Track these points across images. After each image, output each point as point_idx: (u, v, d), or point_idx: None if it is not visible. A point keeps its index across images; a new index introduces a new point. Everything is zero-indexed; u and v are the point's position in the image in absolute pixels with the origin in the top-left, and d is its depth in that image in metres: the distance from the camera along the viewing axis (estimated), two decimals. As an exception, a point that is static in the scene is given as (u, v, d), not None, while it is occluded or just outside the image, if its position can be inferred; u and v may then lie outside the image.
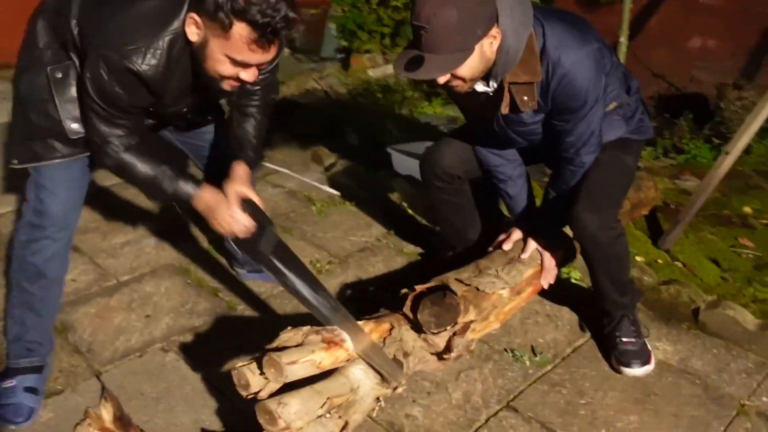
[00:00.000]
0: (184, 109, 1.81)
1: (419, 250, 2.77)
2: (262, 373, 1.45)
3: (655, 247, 2.67)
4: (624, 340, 2.04)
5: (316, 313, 1.64)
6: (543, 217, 2.07)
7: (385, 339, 1.69)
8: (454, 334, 1.78)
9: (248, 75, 1.55)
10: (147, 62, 1.53)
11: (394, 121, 4.15)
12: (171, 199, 1.77)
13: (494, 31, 1.65)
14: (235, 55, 1.49)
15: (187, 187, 1.71)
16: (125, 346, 2.17)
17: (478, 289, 1.88)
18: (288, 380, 1.42)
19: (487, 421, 1.85)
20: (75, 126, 1.70)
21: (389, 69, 5.07)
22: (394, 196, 3.17)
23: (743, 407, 1.89)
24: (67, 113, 1.69)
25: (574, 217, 1.86)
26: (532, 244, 2.04)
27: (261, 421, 1.42)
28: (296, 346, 1.49)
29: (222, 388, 1.96)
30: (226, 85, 1.60)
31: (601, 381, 2.00)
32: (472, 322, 1.82)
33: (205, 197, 1.72)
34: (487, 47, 1.66)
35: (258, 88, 1.90)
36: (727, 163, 2.47)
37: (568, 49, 1.71)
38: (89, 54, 1.56)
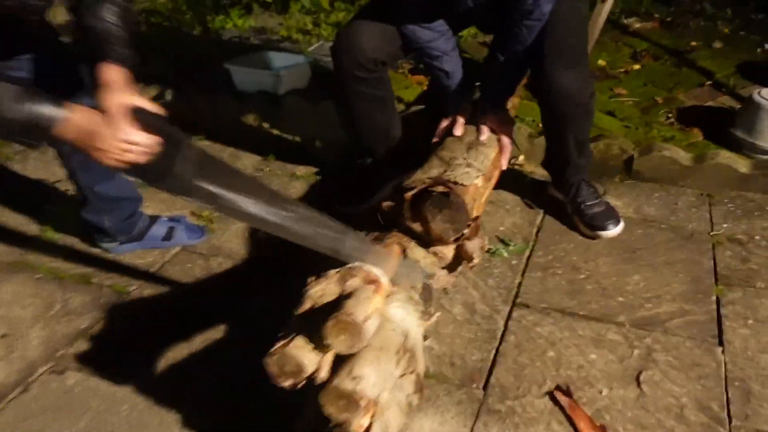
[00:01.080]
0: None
1: (313, 169, 2.36)
2: (316, 348, 1.02)
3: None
4: (589, 204, 1.92)
5: (302, 240, 1.18)
6: (491, 91, 1.81)
7: (404, 265, 1.34)
8: (463, 239, 1.49)
9: None
10: None
11: (196, 42, 3.53)
12: (21, 131, 1.11)
13: None
14: None
15: (46, 110, 1.11)
16: (-6, 385, 1.51)
17: (456, 183, 1.58)
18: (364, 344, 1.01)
19: (506, 326, 1.61)
20: None
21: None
22: (250, 119, 2.66)
23: (714, 238, 1.90)
24: None
25: (547, 76, 1.64)
26: (486, 125, 1.78)
27: (332, 410, 1.00)
28: (344, 298, 1.07)
29: (175, 392, 1.45)
30: None
31: (585, 251, 1.87)
32: (477, 218, 1.53)
33: (77, 121, 1.14)
34: None
35: None
36: (605, 9, 2.44)
37: None
38: None
